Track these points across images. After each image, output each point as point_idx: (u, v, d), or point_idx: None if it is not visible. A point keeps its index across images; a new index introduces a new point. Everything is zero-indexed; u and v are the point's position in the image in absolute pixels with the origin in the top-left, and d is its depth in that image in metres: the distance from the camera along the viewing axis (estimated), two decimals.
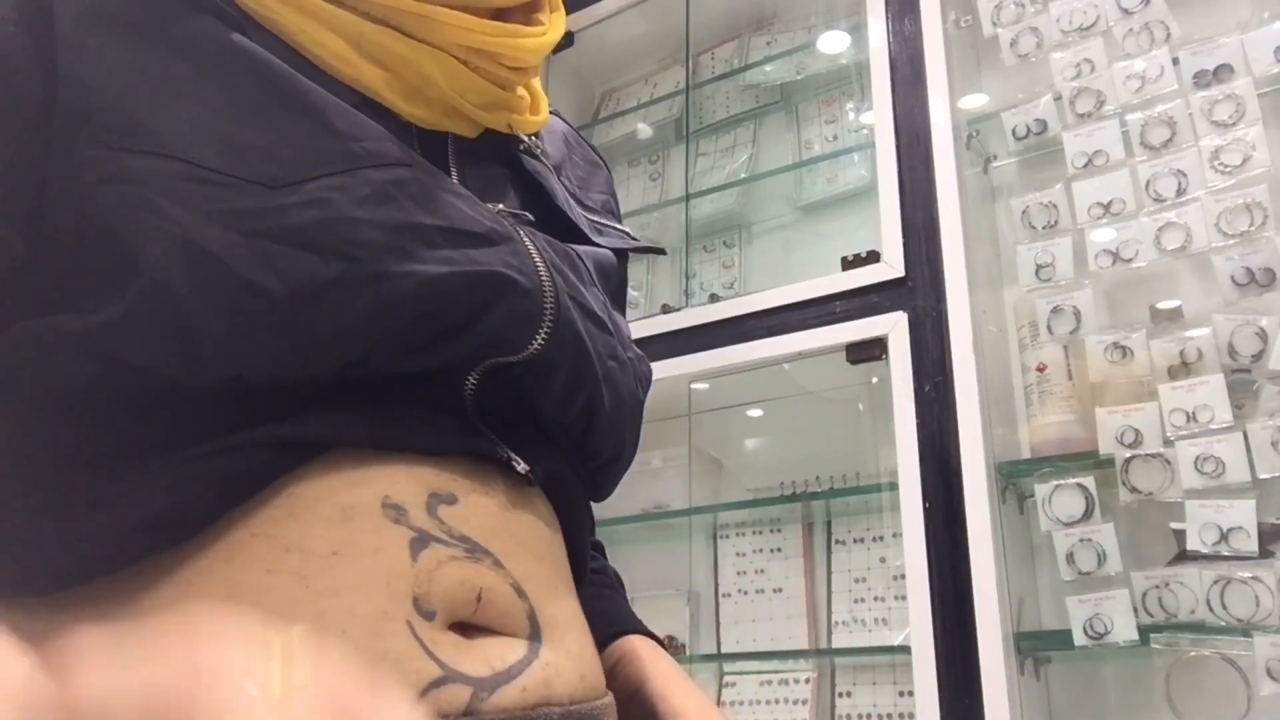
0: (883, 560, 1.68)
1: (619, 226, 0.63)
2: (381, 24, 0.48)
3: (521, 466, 0.46)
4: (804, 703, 1.64)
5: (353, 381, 0.42)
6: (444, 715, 0.38)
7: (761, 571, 1.79)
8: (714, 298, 1.84)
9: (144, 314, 0.38)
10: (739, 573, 1.81)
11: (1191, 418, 1.25)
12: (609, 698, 0.49)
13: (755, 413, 1.90)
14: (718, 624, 1.80)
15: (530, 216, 0.51)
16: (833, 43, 1.95)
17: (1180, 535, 1.25)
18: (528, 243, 0.47)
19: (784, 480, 1.79)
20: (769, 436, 1.92)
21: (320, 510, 0.40)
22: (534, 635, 0.43)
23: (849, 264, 1.55)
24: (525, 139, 0.57)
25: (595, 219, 0.61)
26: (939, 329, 1.42)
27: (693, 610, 1.82)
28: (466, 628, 0.42)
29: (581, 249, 0.54)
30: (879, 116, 1.59)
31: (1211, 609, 1.19)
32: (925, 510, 1.35)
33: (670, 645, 1.82)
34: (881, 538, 1.69)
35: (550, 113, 0.63)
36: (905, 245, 1.50)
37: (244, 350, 0.38)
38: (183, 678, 0.25)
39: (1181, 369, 1.29)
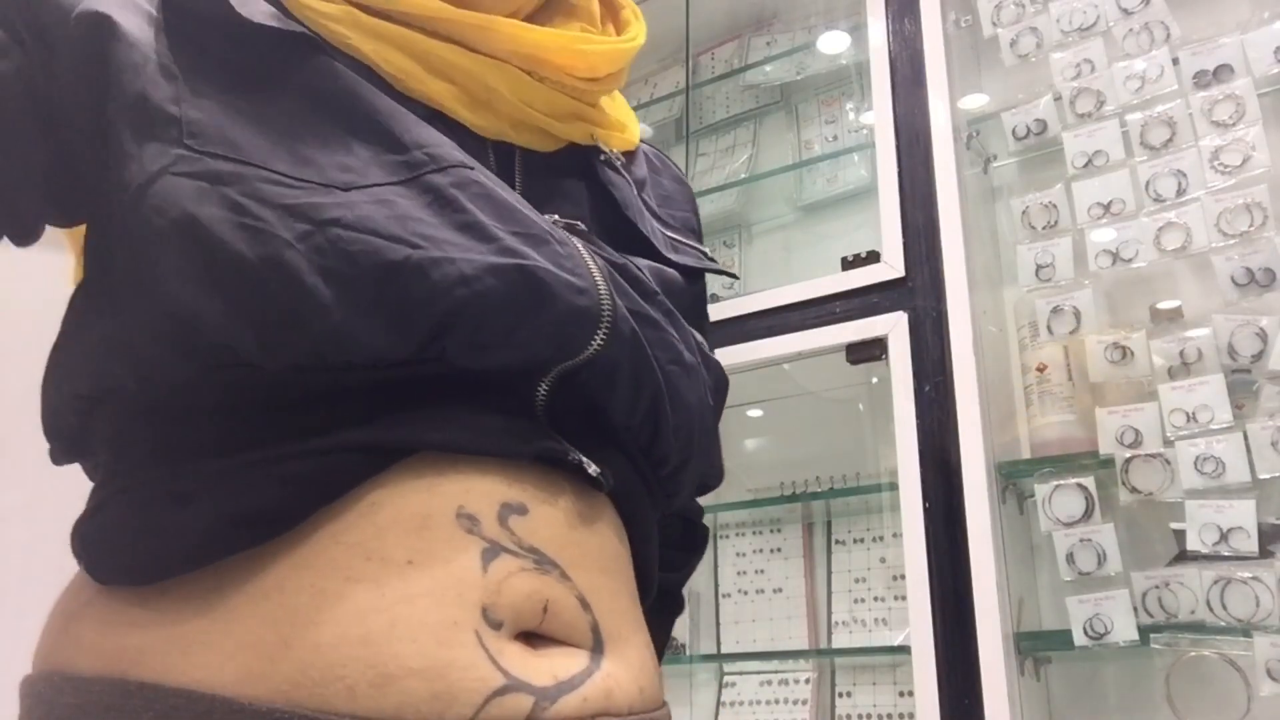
0: (883, 560, 1.68)
1: (696, 246, 0.64)
2: (446, 40, 0.51)
3: (593, 469, 0.47)
4: (804, 703, 1.64)
5: (431, 388, 0.44)
6: None
7: (761, 571, 1.79)
8: (714, 298, 1.83)
9: (223, 298, 0.40)
10: (739, 573, 1.81)
11: (1191, 418, 1.25)
12: (665, 709, 0.50)
13: (755, 413, 1.90)
14: (718, 624, 1.80)
15: (583, 226, 0.52)
16: (833, 43, 1.95)
17: (1180, 535, 1.25)
18: (581, 248, 0.48)
19: (784, 480, 1.79)
20: (769, 436, 1.92)
21: (399, 518, 0.42)
22: (597, 647, 0.45)
23: (849, 264, 1.55)
24: (605, 150, 0.58)
25: (674, 236, 0.62)
26: (939, 329, 1.42)
27: (693, 610, 1.82)
28: (533, 638, 0.43)
29: (642, 262, 0.55)
30: (879, 116, 1.59)
31: (1211, 609, 1.19)
32: (925, 510, 1.35)
33: (671, 645, 1.82)
34: (881, 538, 1.69)
35: None
36: (905, 245, 1.50)
37: (317, 330, 0.41)
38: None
39: (1181, 369, 1.29)
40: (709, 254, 0.64)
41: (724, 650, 1.78)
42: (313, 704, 0.38)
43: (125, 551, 0.42)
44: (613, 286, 0.48)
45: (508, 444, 0.45)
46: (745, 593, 1.79)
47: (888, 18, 1.65)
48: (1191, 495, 1.22)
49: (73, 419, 0.48)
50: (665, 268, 0.57)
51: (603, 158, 0.58)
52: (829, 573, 1.73)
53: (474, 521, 0.43)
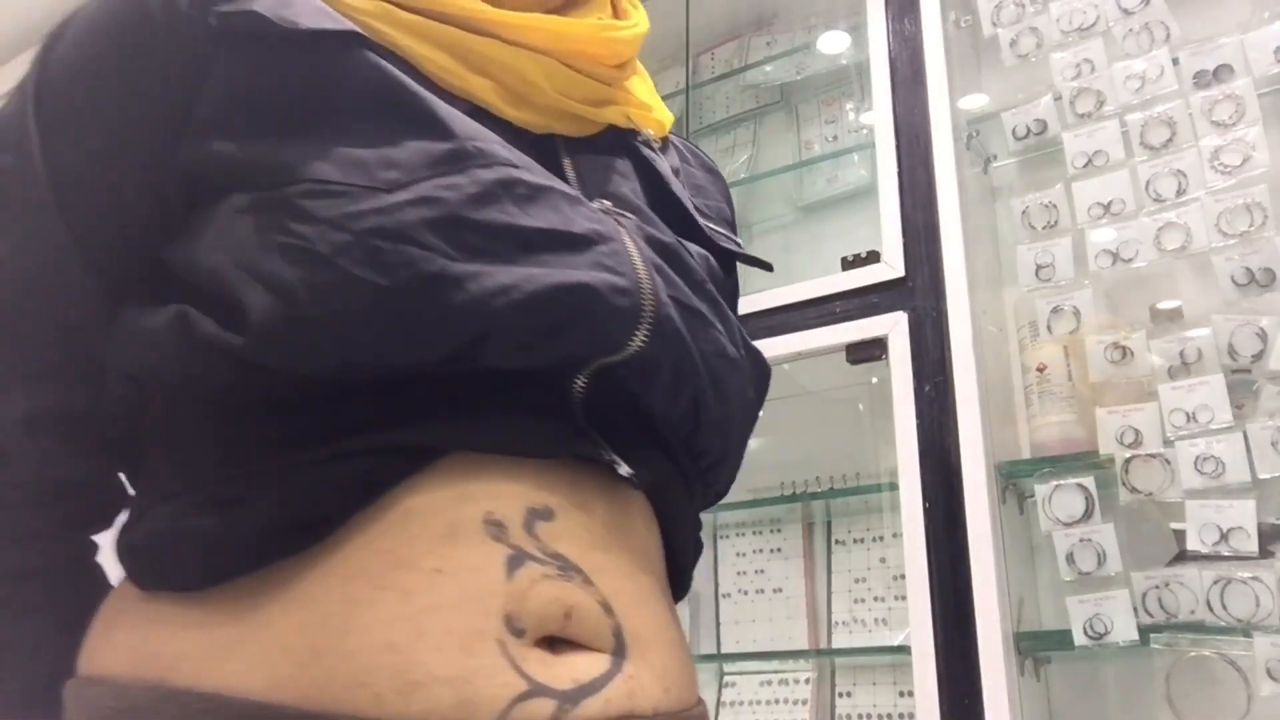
0: (883, 560, 1.68)
1: (731, 235, 0.64)
2: (484, 35, 0.51)
3: (624, 470, 0.47)
4: (804, 703, 1.64)
5: (465, 388, 0.44)
6: None
7: (761, 571, 1.79)
8: None
9: (269, 318, 0.41)
10: (739, 573, 1.81)
11: (1191, 418, 1.25)
12: (698, 708, 0.50)
13: None
14: (718, 624, 1.80)
15: (631, 217, 0.52)
16: (833, 43, 1.95)
17: (1180, 535, 1.25)
18: (628, 243, 0.49)
19: (784, 480, 1.79)
20: (769, 436, 1.92)
21: (429, 526, 0.43)
22: (618, 650, 0.45)
23: (849, 264, 1.55)
24: (641, 131, 0.59)
25: (710, 226, 0.62)
26: (939, 329, 1.42)
27: (693, 610, 1.82)
28: (554, 642, 0.44)
29: (692, 247, 0.55)
30: (879, 116, 1.59)
31: (1211, 609, 1.19)
32: (925, 510, 1.35)
33: None
34: (881, 538, 1.69)
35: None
36: (905, 245, 1.50)
37: (355, 341, 0.42)
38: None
39: (1181, 369, 1.29)
40: (740, 243, 0.64)
41: (724, 650, 1.78)
42: (339, 709, 0.39)
43: (170, 559, 0.43)
44: (660, 278, 0.48)
45: (540, 446, 0.46)
46: (745, 593, 1.79)
47: (888, 18, 1.64)
48: (1191, 495, 1.22)
49: (121, 423, 0.48)
50: (709, 255, 0.57)
51: (640, 138, 0.59)
52: (829, 573, 1.73)
53: (501, 529, 0.43)
